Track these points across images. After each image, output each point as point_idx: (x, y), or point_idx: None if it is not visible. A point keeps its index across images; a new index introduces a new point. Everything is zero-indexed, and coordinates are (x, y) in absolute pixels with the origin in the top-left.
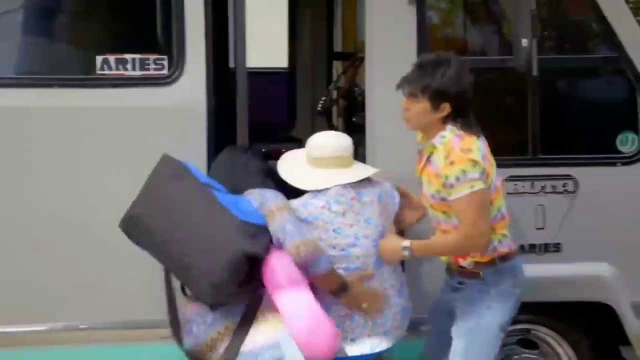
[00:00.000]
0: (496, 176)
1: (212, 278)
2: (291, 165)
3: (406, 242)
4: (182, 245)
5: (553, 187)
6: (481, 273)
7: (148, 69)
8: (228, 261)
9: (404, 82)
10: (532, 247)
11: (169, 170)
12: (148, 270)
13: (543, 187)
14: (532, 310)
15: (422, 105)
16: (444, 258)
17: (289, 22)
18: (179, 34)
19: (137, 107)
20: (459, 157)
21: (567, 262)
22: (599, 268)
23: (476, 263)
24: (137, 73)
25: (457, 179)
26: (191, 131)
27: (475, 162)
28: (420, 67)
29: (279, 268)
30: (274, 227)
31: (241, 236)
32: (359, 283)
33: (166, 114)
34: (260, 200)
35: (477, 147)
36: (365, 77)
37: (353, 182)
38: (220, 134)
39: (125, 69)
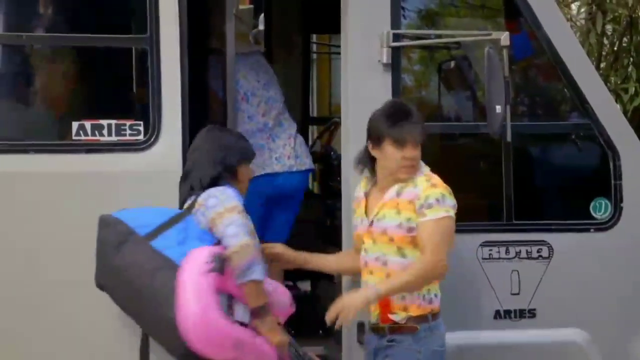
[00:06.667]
0: None
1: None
2: None
3: (371, 291)
4: (142, 320)
5: (528, 252)
6: (418, 327)
7: (124, 135)
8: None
9: (418, 133)
10: (507, 313)
11: (110, 237)
12: None
13: (518, 253)
14: None
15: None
16: (373, 314)
17: None
18: (155, 100)
19: (113, 173)
20: (440, 182)
21: (542, 328)
22: (574, 334)
23: (409, 318)
24: (113, 139)
25: (437, 200)
26: (167, 196)
27: (451, 192)
28: (414, 114)
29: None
30: (218, 232)
31: None
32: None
33: (142, 179)
34: (213, 204)
35: None
36: (341, 141)
37: None
38: None
39: (102, 135)
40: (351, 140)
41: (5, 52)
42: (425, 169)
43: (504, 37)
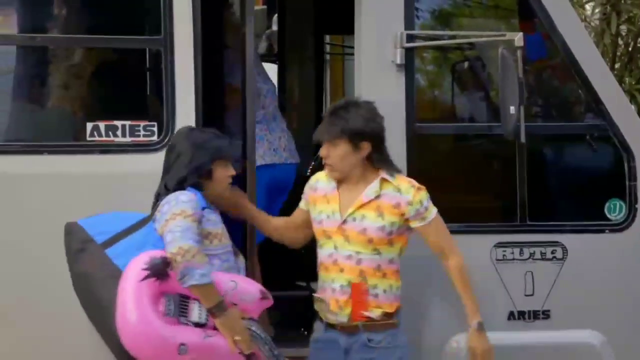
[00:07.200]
0: None
1: None
2: None
3: (475, 324)
4: (96, 328)
5: (542, 253)
6: (392, 322)
7: (138, 136)
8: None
9: (321, 132)
10: (521, 314)
11: (72, 245)
12: None
13: (532, 254)
14: None
15: (342, 148)
16: (343, 313)
17: (278, 86)
18: (169, 101)
19: (127, 173)
20: (419, 185)
21: (556, 330)
22: (588, 335)
23: (385, 314)
24: (127, 139)
25: (428, 200)
26: None
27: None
28: (332, 113)
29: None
30: (164, 239)
31: None
32: (239, 315)
33: (156, 180)
34: (166, 210)
35: None
36: None
37: None
38: None
39: (115, 136)
40: None
41: (20, 53)
42: (397, 173)
43: (518, 38)
